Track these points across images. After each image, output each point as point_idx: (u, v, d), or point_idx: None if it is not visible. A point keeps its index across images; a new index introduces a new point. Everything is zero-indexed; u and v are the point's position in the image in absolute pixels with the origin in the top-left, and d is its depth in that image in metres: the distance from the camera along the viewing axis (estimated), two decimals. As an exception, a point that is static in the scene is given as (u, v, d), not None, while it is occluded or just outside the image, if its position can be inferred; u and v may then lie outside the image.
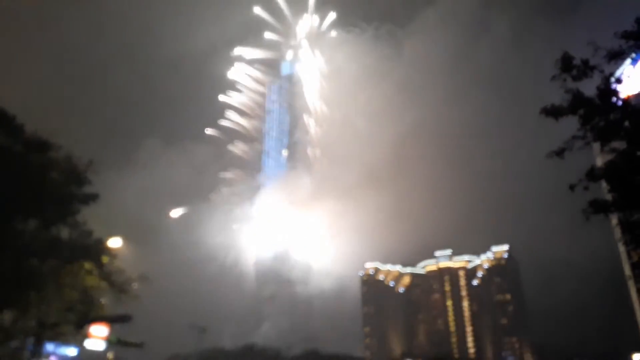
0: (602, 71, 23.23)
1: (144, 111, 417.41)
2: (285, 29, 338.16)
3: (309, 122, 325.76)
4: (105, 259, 32.19)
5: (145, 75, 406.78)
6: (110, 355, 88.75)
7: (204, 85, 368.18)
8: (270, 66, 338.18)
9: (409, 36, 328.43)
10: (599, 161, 25.55)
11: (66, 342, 32.36)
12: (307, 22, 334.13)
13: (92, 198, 29.66)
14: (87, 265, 31.66)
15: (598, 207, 22.13)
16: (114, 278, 32.85)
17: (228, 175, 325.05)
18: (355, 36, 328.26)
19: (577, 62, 23.14)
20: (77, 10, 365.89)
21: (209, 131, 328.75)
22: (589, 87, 23.64)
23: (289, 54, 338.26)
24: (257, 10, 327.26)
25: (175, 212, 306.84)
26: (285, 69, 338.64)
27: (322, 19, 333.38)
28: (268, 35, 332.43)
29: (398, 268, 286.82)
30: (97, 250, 31.21)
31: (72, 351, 33.48)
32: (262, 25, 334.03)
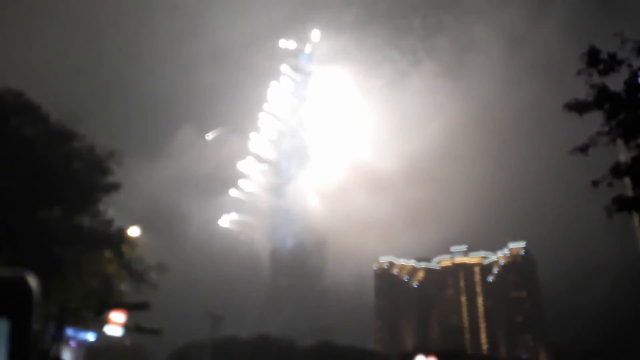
0: (629, 65, 22.69)
1: (182, 100, 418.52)
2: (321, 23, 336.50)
3: (340, 112, 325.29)
4: (125, 248, 32.67)
5: (186, 64, 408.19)
6: (127, 341, 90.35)
7: (244, 76, 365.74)
8: (297, 58, 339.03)
9: (457, 20, 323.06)
10: (623, 158, 24.97)
11: (86, 327, 32.94)
12: (351, 12, 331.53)
13: (114, 187, 30.06)
14: (108, 253, 32.18)
15: (622, 204, 21.63)
16: (134, 266, 33.36)
17: (247, 167, 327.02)
18: (400, 28, 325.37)
19: (604, 56, 22.61)
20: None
21: (209, 137, 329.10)
22: (615, 82, 23.09)
23: (308, 47, 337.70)
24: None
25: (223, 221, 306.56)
26: (304, 60, 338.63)
27: (369, 9, 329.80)
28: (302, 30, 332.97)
29: (412, 262, 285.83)
30: (117, 239, 31.68)
31: (91, 336, 34.15)
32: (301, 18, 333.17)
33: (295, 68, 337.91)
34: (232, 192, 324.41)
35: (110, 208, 31.72)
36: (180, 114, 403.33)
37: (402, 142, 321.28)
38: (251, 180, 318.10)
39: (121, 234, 32.17)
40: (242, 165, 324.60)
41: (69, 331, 31.57)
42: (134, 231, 33.23)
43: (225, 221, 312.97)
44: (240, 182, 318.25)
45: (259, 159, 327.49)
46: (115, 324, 29.24)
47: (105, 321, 30.05)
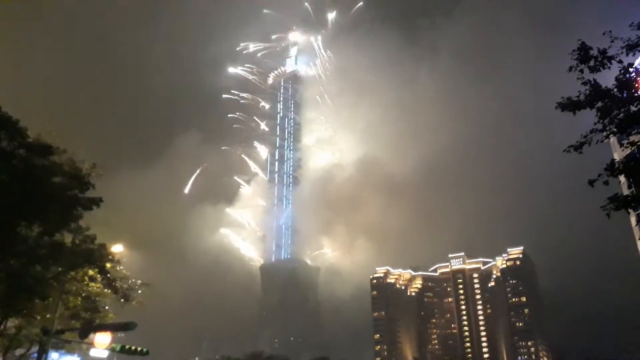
0: (620, 62, 22.32)
1: (189, 104, 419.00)
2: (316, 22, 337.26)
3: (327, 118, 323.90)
4: (108, 265, 31.69)
5: (196, 67, 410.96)
6: None
7: (253, 79, 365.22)
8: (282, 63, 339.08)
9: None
10: (617, 156, 24.57)
11: (70, 350, 31.80)
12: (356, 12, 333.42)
13: (95, 202, 29.10)
14: (91, 271, 31.20)
15: (619, 203, 20.96)
16: (118, 285, 32.36)
17: (241, 178, 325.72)
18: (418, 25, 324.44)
19: (594, 52, 22.25)
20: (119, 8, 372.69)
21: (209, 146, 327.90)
22: (606, 79, 22.78)
23: (294, 50, 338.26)
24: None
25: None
26: (292, 65, 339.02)
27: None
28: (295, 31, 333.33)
29: (409, 271, 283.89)
30: (100, 255, 30.70)
31: (75, 359, 33.00)
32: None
33: (308, 59, 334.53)
34: (227, 206, 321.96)
35: (93, 224, 30.77)
36: (185, 120, 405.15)
37: (411, 147, 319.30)
38: (249, 189, 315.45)
39: (104, 251, 31.20)
40: (240, 176, 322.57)
41: (53, 354, 30.39)
42: (118, 248, 32.31)
43: (219, 236, 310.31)
44: (237, 194, 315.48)
45: (248, 168, 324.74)
46: (101, 346, 28.09)
47: (90, 343, 28.89)
